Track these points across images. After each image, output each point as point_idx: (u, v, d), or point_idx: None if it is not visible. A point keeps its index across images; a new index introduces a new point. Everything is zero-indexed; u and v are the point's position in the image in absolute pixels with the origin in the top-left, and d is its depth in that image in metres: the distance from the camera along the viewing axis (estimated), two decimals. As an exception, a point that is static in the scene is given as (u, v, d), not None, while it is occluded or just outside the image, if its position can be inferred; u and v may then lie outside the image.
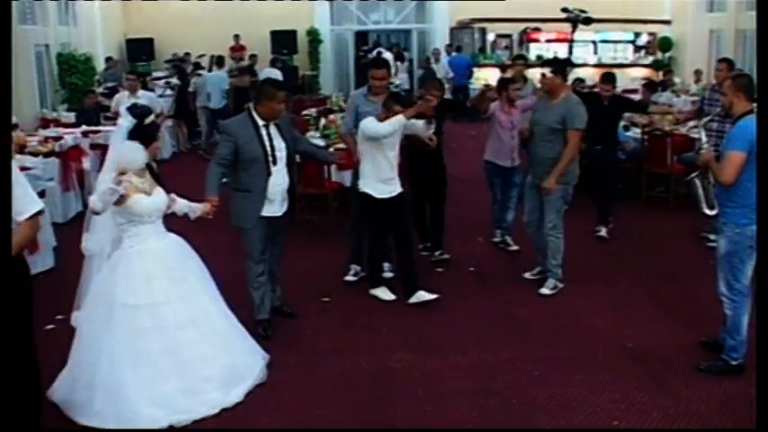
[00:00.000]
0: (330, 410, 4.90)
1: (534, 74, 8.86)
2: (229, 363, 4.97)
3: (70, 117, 13.17)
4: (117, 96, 10.55)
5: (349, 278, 7.17)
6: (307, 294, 6.80)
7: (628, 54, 21.08)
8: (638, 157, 10.03)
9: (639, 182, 9.97)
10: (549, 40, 19.63)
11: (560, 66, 6.94)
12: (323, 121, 10.62)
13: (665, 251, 8.05)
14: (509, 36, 21.45)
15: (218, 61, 16.77)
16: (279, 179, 5.88)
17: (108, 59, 18.68)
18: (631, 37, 21.03)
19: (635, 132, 10.25)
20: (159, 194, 4.87)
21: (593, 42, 20.76)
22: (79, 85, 15.65)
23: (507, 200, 8.07)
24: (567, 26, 18.78)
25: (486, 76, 18.02)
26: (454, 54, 20.04)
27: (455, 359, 5.60)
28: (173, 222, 5.12)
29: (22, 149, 9.68)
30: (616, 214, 8.74)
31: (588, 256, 7.84)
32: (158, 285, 4.75)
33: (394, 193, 6.59)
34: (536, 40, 20.54)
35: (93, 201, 4.60)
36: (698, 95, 13.14)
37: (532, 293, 6.82)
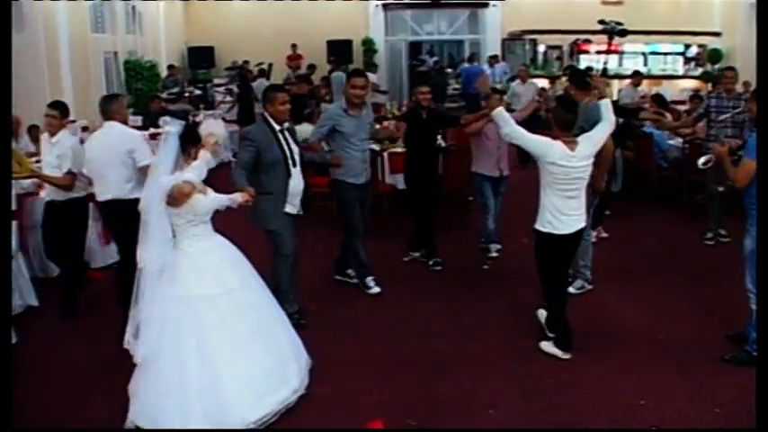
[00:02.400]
0: (377, 383, 5.44)
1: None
2: (294, 342, 5.34)
3: (137, 121, 13.82)
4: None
5: (374, 290, 7.28)
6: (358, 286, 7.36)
7: (678, 66, 21.13)
8: (679, 166, 10.37)
9: (681, 189, 10.31)
10: (598, 52, 19.85)
11: (577, 77, 7.44)
12: (377, 126, 11.06)
13: (702, 254, 8.39)
14: (559, 47, 21.74)
15: (342, 62, 19.43)
16: (298, 180, 6.21)
17: (170, 67, 19.44)
18: (681, 49, 21.06)
19: (677, 141, 10.58)
20: (212, 193, 5.09)
21: (643, 54, 20.92)
22: (144, 91, 16.42)
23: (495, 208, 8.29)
24: (616, 38, 19.14)
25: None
26: (466, 65, 20.43)
27: (496, 344, 6.10)
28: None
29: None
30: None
31: (625, 257, 8.23)
32: (228, 273, 4.98)
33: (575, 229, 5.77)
34: (586, 52, 20.74)
35: (188, 174, 4.85)
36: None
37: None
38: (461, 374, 5.59)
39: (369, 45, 22.35)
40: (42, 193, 7.31)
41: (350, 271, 7.53)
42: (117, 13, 16.73)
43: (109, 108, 6.58)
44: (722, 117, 8.44)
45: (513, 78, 17.63)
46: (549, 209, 5.60)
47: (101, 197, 6.52)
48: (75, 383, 5.50)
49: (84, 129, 13.00)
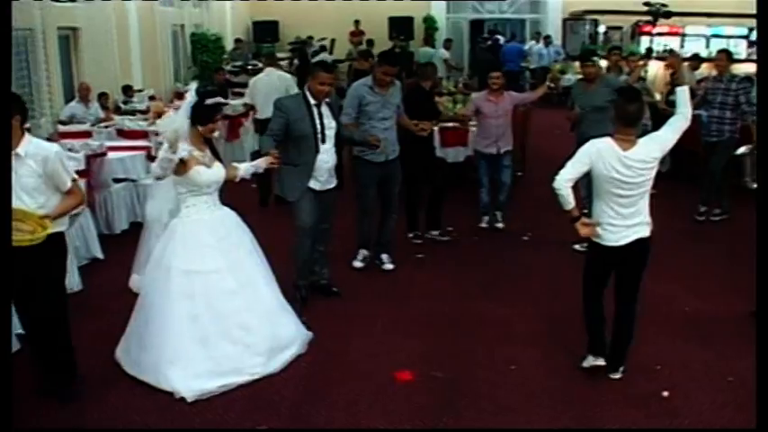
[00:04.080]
0: (414, 340, 5.84)
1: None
2: (272, 333, 5.30)
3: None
4: None
5: (357, 264, 7.39)
6: (405, 251, 7.77)
7: (741, 49, 20.70)
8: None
9: (726, 170, 10.36)
10: (660, 34, 19.77)
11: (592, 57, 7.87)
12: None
13: (742, 233, 8.45)
14: (620, 28, 21.66)
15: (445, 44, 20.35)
16: (327, 157, 6.15)
17: (237, 41, 19.95)
18: (745, 32, 20.70)
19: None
20: (218, 168, 5.23)
21: (706, 37, 20.70)
22: (209, 63, 16.95)
23: (501, 183, 8.53)
24: (678, 20, 19.02)
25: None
26: (508, 43, 21.10)
27: (526, 309, 6.46)
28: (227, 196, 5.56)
29: (160, 116, 10.91)
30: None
31: (664, 233, 8.14)
32: (210, 254, 5.10)
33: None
34: (648, 33, 20.62)
35: (154, 168, 5.04)
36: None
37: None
38: (489, 335, 5.96)
39: (430, 22, 22.60)
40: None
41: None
42: (184, -14, 17.31)
43: (271, 59, 11.37)
44: (717, 98, 8.65)
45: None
46: (597, 216, 4.98)
47: (262, 116, 9.43)
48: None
49: (152, 98, 13.59)
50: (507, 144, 8.38)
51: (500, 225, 8.68)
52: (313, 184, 6.17)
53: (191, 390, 4.87)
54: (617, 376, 5.21)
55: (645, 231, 4.94)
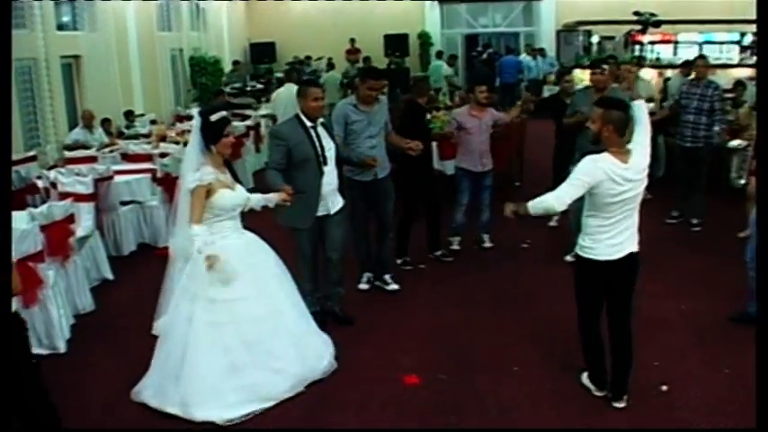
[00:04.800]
0: (420, 346, 6.04)
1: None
2: (300, 356, 5.28)
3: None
4: None
5: (362, 286, 7.26)
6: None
7: (733, 54, 20.92)
8: (720, 151, 10.57)
9: (721, 173, 10.54)
10: (652, 42, 19.98)
11: (602, 64, 7.86)
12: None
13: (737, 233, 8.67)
14: (613, 38, 21.86)
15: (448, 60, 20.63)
16: (329, 179, 6.00)
17: (235, 63, 20.21)
18: (737, 37, 20.87)
19: (718, 128, 10.78)
20: (240, 189, 5.19)
21: (698, 43, 20.86)
22: (209, 86, 17.18)
23: (481, 202, 8.29)
24: (670, 28, 19.29)
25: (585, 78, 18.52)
26: (505, 56, 21.35)
27: (526, 313, 6.64)
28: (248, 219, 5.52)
29: (163, 139, 11.16)
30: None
31: (660, 236, 8.56)
32: (241, 280, 5.01)
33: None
34: (640, 42, 20.84)
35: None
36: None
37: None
38: (492, 339, 6.14)
39: (425, 38, 22.86)
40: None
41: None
42: (182, 11, 17.54)
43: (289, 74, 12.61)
44: (693, 103, 8.74)
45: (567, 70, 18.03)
46: (590, 231, 4.75)
47: None
48: (143, 345, 6.10)
49: (153, 122, 13.82)
50: (490, 161, 8.20)
51: (488, 245, 8.51)
52: (320, 211, 6.06)
53: (221, 418, 4.87)
54: (621, 405, 4.98)
55: (635, 244, 4.82)
